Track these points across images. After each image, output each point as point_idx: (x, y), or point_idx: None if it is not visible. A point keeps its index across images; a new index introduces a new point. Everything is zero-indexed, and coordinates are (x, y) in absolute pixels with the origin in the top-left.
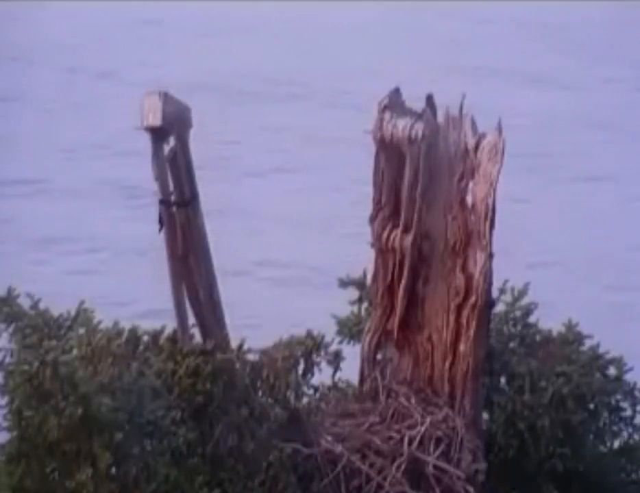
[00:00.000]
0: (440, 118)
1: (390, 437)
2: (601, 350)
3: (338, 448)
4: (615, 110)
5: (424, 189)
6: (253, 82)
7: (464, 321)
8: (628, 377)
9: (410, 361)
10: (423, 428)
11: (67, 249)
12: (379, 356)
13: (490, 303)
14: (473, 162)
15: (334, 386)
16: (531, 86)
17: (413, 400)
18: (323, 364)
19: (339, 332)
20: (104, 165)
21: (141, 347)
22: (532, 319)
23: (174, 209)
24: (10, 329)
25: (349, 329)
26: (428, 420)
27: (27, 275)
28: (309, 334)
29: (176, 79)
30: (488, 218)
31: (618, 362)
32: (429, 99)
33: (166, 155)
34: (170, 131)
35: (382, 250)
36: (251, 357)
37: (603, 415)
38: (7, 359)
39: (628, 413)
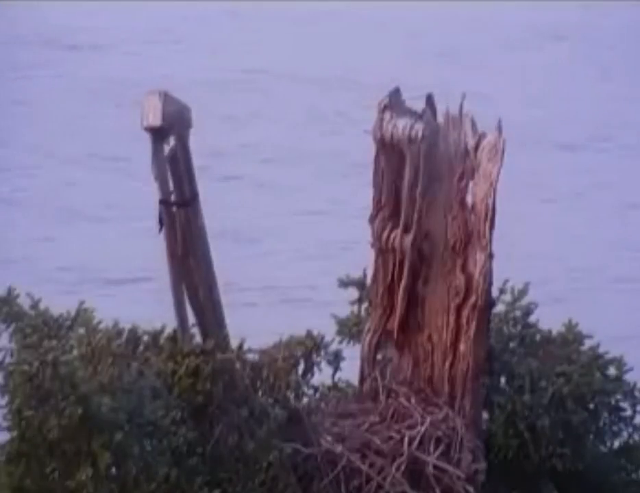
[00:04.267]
0: (440, 118)
1: (390, 437)
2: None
3: (338, 448)
4: None
5: (424, 189)
6: None
7: (464, 321)
8: (628, 377)
9: (410, 361)
10: (423, 428)
11: None
12: (379, 356)
13: (490, 303)
14: (473, 162)
15: (334, 386)
16: None
17: (413, 400)
18: (323, 364)
19: (339, 332)
20: None
21: (141, 347)
22: (532, 319)
23: (174, 209)
24: (10, 329)
25: (349, 329)
26: (428, 420)
27: None
28: (309, 334)
29: None
30: (488, 218)
31: (618, 362)
32: (429, 99)
33: (166, 155)
34: (170, 131)
35: (382, 250)
36: (251, 357)
37: (603, 415)
38: (7, 359)
39: (628, 413)
